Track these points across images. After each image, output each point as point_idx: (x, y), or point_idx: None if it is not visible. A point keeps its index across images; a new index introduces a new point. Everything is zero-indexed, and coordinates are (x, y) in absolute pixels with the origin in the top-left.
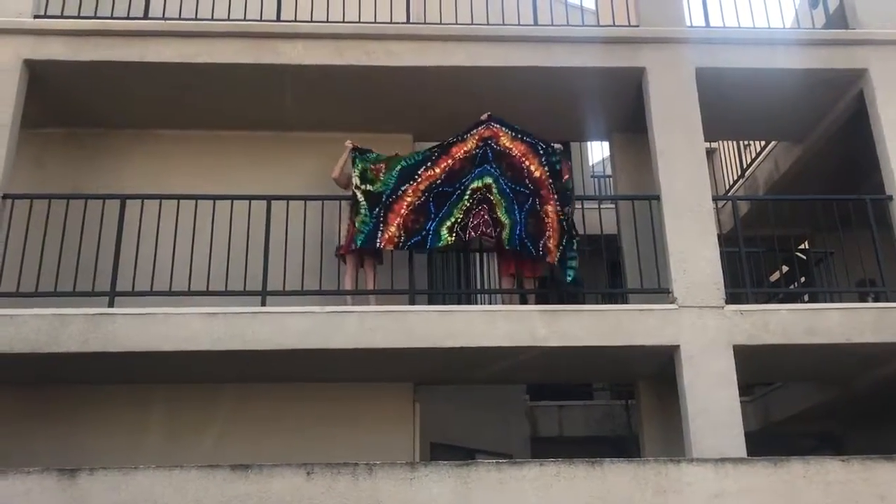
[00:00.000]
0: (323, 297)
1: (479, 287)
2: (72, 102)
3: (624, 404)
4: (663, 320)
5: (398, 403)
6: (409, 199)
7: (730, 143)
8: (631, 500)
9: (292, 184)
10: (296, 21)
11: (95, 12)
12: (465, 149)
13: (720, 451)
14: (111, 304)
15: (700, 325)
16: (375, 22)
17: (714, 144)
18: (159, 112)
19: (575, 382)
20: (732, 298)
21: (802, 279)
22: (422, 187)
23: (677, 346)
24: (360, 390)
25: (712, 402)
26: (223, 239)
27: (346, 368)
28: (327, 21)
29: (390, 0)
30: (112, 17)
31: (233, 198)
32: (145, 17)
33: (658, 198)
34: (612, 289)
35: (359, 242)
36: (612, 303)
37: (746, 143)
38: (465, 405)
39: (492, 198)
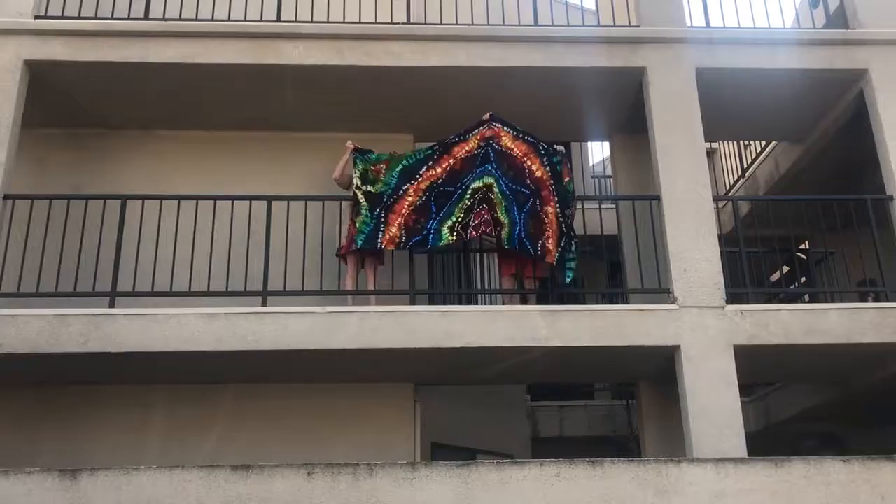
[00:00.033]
0: (324, 297)
1: (479, 287)
2: (72, 103)
3: (625, 404)
4: (664, 320)
5: (399, 404)
6: (410, 199)
7: (730, 143)
8: (632, 500)
9: (293, 184)
10: (296, 21)
11: (96, 13)
12: (467, 148)
13: (721, 452)
14: (112, 305)
15: (700, 325)
16: (376, 22)
17: (714, 144)
18: (160, 112)
19: (576, 382)
20: (733, 298)
21: (803, 279)
22: (423, 186)
23: (678, 347)
24: (361, 390)
25: (713, 402)
26: (224, 239)
27: (347, 369)
28: (328, 21)
29: (391, 0)
30: (112, 18)
31: (234, 198)
32: (146, 17)
33: (658, 198)
34: (613, 289)
35: (359, 243)
36: (612, 303)
37: (746, 143)
38: (465, 405)
39: (493, 197)
